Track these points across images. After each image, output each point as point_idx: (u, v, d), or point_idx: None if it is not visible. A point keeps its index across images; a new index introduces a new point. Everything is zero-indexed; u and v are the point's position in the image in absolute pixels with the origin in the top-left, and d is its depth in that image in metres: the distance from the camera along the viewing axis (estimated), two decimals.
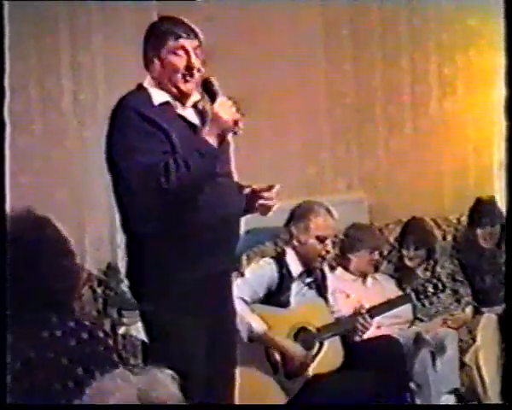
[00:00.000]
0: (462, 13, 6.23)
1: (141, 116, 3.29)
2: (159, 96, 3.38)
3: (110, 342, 2.50)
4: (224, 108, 3.30)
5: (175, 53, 3.36)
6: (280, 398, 4.35)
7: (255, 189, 3.51)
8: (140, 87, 3.44)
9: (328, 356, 4.43)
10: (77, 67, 5.78)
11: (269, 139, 6.02)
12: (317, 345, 4.43)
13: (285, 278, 4.50)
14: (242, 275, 4.57)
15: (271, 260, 4.56)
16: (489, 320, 5.11)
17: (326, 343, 4.44)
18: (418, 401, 4.90)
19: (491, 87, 6.13)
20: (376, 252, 5.30)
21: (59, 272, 2.57)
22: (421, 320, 5.31)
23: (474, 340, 5.08)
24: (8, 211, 2.86)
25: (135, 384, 1.94)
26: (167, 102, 3.38)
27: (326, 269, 4.73)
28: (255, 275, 4.49)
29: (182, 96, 3.40)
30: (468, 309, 5.36)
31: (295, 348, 4.38)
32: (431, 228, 5.64)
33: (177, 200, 3.25)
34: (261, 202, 3.50)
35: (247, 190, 3.52)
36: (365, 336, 4.53)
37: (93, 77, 5.84)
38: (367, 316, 4.46)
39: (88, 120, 5.81)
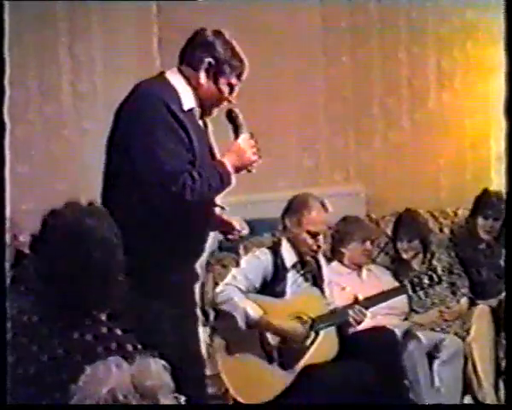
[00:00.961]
0: (461, 6, 6.24)
1: (173, 116, 3.27)
2: (189, 101, 3.38)
3: (136, 356, 2.50)
4: (248, 145, 3.38)
5: (230, 85, 3.43)
6: (275, 388, 4.36)
7: (228, 222, 3.59)
8: (163, 78, 3.40)
9: (323, 346, 4.43)
10: (76, 60, 5.81)
11: (267, 131, 6.03)
12: (312, 335, 4.44)
13: (279, 268, 4.50)
14: (238, 265, 4.60)
15: (267, 251, 4.57)
16: (482, 312, 5.12)
17: (321, 333, 4.45)
18: (411, 397, 4.91)
19: (489, 81, 6.14)
20: (368, 242, 5.32)
21: (104, 274, 2.55)
22: (417, 312, 5.33)
23: (468, 332, 5.10)
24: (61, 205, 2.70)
25: (128, 371, 1.96)
26: (192, 109, 3.39)
27: (322, 261, 4.73)
28: (250, 265, 4.51)
29: (208, 114, 3.46)
30: (463, 300, 5.36)
31: (295, 328, 4.40)
32: (424, 220, 5.64)
33: (185, 211, 3.28)
34: (233, 236, 3.63)
35: (217, 210, 3.57)
36: (360, 327, 4.54)
37: (92, 69, 5.87)
38: (360, 307, 4.47)
39: (87, 112, 5.84)
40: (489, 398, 4.95)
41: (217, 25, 5.70)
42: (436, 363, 5.05)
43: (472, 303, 5.34)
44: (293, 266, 4.55)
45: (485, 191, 5.58)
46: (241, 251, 5.40)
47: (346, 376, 4.34)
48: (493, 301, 5.19)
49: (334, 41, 6.22)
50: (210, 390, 4.55)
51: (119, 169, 3.36)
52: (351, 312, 4.45)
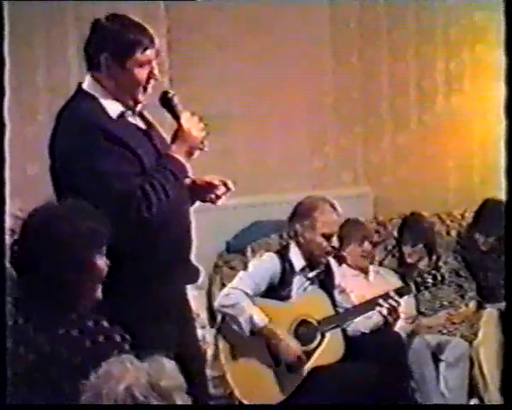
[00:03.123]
0: (470, 8, 6.22)
1: (105, 134, 3.04)
2: (114, 108, 3.12)
3: (126, 346, 2.47)
4: (192, 124, 3.17)
5: (141, 65, 3.10)
6: (281, 390, 4.36)
7: (209, 182, 3.37)
8: (82, 91, 3.17)
9: (329, 348, 4.43)
10: (84, 58, 5.79)
11: (275, 132, 6.03)
12: (319, 337, 4.44)
13: (287, 272, 4.49)
14: (245, 268, 4.60)
15: (274, 255, 4.55)
16: (491, 316, 5.12)
17: (327, 336, 4.44)
18: (418, 398, 4.91)
19: (497, 83, 6.12)
20: (366, 242, 5.29)
21: (82, 267, 2.54)
22: (426, 315, 5.32)
23: (475, 335, 5.09)
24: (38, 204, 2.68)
25: (144, 370, 1.94)
26: (122, 113, 3.15)
27: (332, 263, 4.71)
28: (258, 269, 4.49)
29: (134, 105, 3.20)
30: (472, 304, 5.35)
31: (292, 345, 4.36)
32: (429, 224, 5.61)
33: (151, 226, 3.07)
34: (215, 194, 3.37)
35: (187, 181, 3.29)
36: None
37: None
38: (393, 295, 4.47)
39: None
40: (495, 401, 4.94)
41: (225, 25, 5.75)
42: (442, 366, 5.05)
43: (480, 307, 5.34)
44: (302, 270, 4.55)
45: (486, 202, 5.49)
46: (249, 253, 5.40)
47: (352, 378, 4.35)
48: (502, 305, 5.17)
49: (343, 42, 6.21)
50: (215, 392, 4.55)
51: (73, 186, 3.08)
52: (381, 300, 4.44)
